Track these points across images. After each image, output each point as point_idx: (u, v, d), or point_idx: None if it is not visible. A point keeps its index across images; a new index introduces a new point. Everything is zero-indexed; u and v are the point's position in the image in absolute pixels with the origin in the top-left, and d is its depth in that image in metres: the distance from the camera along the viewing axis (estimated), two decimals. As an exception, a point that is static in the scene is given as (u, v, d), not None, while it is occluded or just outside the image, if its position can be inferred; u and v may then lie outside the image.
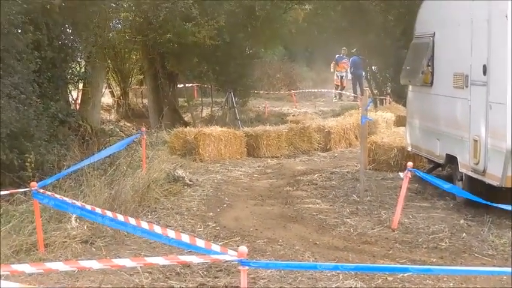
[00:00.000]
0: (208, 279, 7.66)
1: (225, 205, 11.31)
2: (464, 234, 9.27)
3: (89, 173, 10.62)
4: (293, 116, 22.44)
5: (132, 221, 7.29)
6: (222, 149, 15.59)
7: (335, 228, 9.78)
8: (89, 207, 7.96)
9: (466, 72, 10.53)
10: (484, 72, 9.91)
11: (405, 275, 7.55)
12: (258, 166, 14.92)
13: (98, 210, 7.79)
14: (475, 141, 10.13)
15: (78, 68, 15.11)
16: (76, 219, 9.07)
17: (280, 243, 9.06)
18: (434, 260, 8.27)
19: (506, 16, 9.38)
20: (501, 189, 9.62)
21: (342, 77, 31.64)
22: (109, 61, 22.73)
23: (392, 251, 8.69)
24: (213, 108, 23.39)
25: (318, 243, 9.07)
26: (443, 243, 8.93)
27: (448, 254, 8.51)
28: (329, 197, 11.72)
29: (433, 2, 12.30)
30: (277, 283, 7.49)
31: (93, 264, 5.68)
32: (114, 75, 25.81)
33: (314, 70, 40.72)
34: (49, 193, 8.14)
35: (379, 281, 7.52)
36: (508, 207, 8.57)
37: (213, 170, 14.24)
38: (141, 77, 26.69)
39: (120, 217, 7.40)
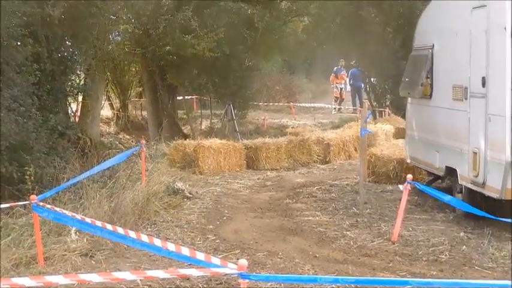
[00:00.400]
0: (208, 292, 7.66)
1: (224, 218, 11.30)
2: (464, 246, 9.26)
3: (89, 185, 10.63)
4: (292, 128, 22.44)
5: (132, 234, 7.28)
6: (222, 162, 15.59)
7: (335, 240, 9.77)
8: (88, 220, 7.96)
9: (465, 84, 10.55)
10: (483, 84, 9.93)
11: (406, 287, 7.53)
12: (258, 178, 14.92)
13: (98, 223, 7.79)
14: (475, 153, 10.13)
15: (77, 81, 15.12)
16: (76, 232, 9.06)
17: (280, 256, 9.05)
18: (434, 273, 8.25)
19: (505, 28, 9.41)
20: (501, 202, 9.62)
21: (341, 89, 31.71)
22: (108, 73, 22.74)
23: (392, 263, 8.68)
24: (213, 121, 23.40)
25: (317, 256, 9.06)
26: (443, 256, 8.92)
27: (448, 267, 8.50)
28: (329, 209, 11.71)
29: (432, 14, 12.33)
30: (277, 296, 7.49)
31: (93, 277, 5.67)
32: (113, 88, 25.82)
33: (313, 82, 40.78)
34: (49, 206, 8.14)
35: (379, 294, 7.51)
36: (507, 219, 8.60)
37: (213, 183, 14.23)
38: (141, 89, 26.69)
39: (120, 230, 7.40)
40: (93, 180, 11.09)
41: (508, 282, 4.94)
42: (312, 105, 30.71)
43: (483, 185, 9.90)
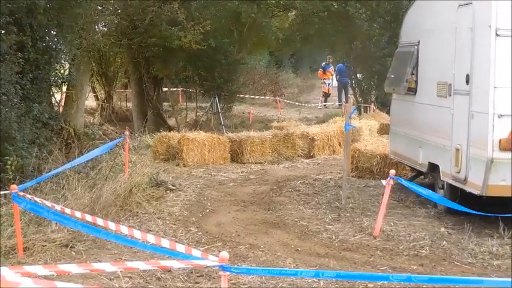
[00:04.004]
0: (189, 284, 7.65)
1: (207, 210, 11.29)
2: (444, 242, 9.30)
3: (71, 176, 10.58)
4: (277, 122, 22.45)
5: (112, 225, 7.26)
6: (206, 154, 15.56)
7: (317, 234, 9.78)
8: (68, 211, 7.93)
9: (449, 81, 10.59)
10: (467, 82, 9.97)
11: (386, 282, 7.56)
12: (242, 172, 14.91)
13: (78, 214, 7.75)
14: (457, 149, 10.17)
15: (62, 71, 15.02)
16: (56, 223, 9.01)
17: (262, 249, 9.05)
18: (414, 268, 8.28)
19: (490, 26, 9.44)
20: (481, 198, 9.68)
21: (328, 84, 31.85)
22: (93, 64, 22.63)
23: (373, 258, 8.71)
24: (198, 113, 23.37)
25: (299, 249, 9.07)
26: (423, 251, 8.96)
27: (429, 262, 8.54)
28: (311, 203, 11.73)
29: (418, 11, 12.36)
30: (257, 289, 7.49)
31: (73, 268, 5.65)
32: (98, 78, 25.73)
33: (300, 76, 40.86)
34: (29, 196, 8.10)
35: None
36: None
37: (196, 175, 14.22)
38: (126, 80, 26.64)
39: (100, 222, 7.37)
40: (75, 171, 11.03)
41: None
42: (299, 104, 30.67)
43: (465, 181, 9.94)
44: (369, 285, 7.59)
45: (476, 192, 9.63)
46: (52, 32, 13.92)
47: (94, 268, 5.84)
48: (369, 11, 22.60)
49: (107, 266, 5.71)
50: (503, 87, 9.41)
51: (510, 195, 9.54)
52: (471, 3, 10.03)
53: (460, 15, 10.33)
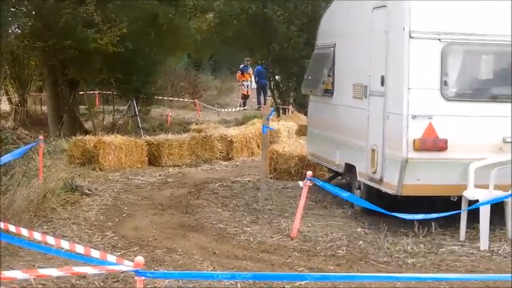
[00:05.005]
0: (105, 290, 7.51)
1: (124, 215, 11.13)
2: (361, 241, 9.42)
3: (-19, 182, 10.25)
4: (196, 124, 22.36)
5: (24, 232, 7.06)
6: (123, 158, 15.32)
7: (235, 237, 9.77)
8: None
9: (365, 83, 10.75)
10: (382, 83, 10.14)
11: (303, 282, 7.60)
12: (159, 175, 14.76)
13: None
14: (373, 150, 10.33)
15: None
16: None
17: (179, 252, 8.98)
18: (331, 268, 8.34)
19: (403, 28, 9.62)
20: (397, 198, 9.86)
21: (247, 86, 31.97)
22: (7, 67, 22.03)
23: (290, 259, 8.74)
24: (115, 116, 23.04)
25: (217, 252, 9.03)
26: (340, 251, 9.05)
27: (345, 262, 8.63)
28: (230, 206, 11.70)
29: (335, 13, 12.51)
30: (174, 293, 7.42)
31: (-19, 277, 5.45)
32: (12, 82, 25.06)
33: (219, 78, 40.91)
34: None
35: (277, 289, 7.56)
36: (403, 215, 8.84)
37: (113, 179, 13.99)
38: (41, 83, 26.04)
39: (12, 228, 7.16)
40: (-14, 177, 10.70)
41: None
42: (218, 109, 30.60)
43: (381, 181, 10.10)
44: (286, 286, 7.61)
45: (391, 192, 9.80)
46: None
47: (5, 276, 5.64)
48: (286, 13, 22.80)
49: (17, 274, 5.54)
50: (417, 89, 9.61)
51: (424, 195, 9.77)
52: (385, 6, 10.20)
53: (375, 18, 10.50)
